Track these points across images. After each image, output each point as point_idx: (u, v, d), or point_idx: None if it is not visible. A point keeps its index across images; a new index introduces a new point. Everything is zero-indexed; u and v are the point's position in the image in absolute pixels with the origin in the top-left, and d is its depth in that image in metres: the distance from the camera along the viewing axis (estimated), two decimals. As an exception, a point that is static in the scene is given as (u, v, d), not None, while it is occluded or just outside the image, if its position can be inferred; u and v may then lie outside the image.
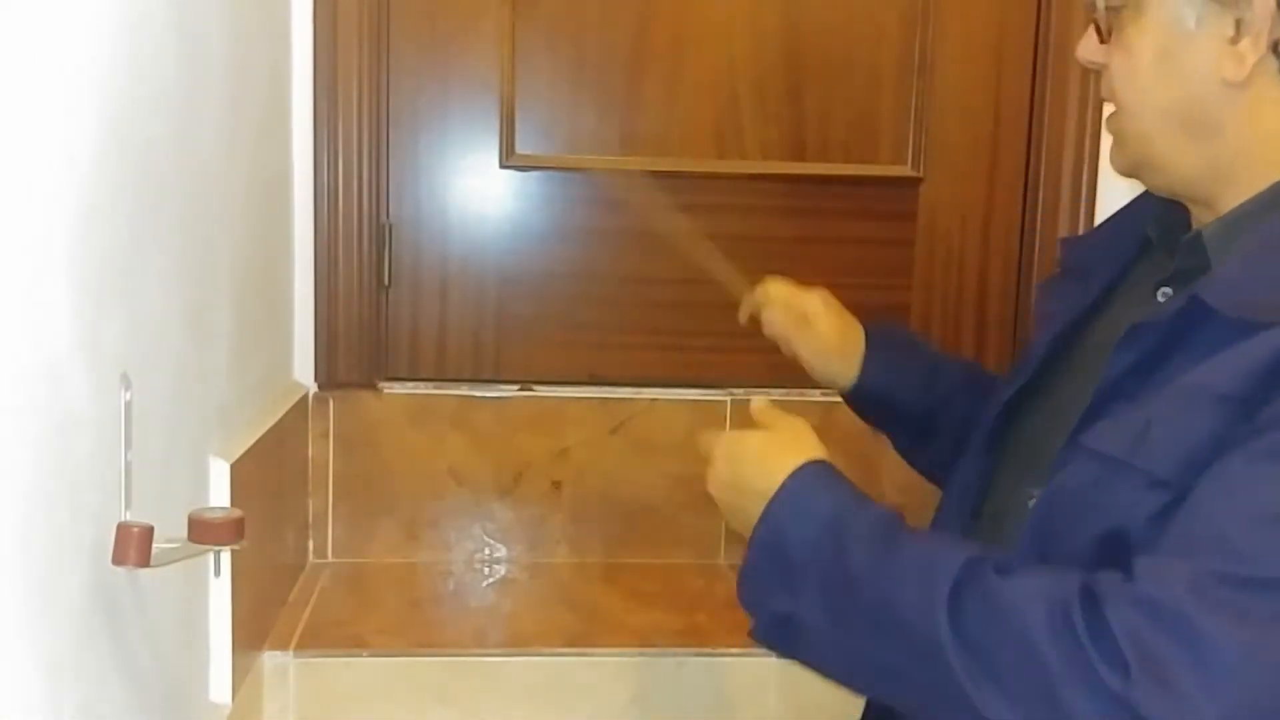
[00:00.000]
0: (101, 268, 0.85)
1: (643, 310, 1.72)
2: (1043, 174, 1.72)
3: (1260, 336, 0.77)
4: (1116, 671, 0.70)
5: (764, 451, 0.95)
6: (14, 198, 0.71)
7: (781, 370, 1.70)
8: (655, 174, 1.69)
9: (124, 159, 0.90)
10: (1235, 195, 0.86)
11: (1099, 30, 0.90)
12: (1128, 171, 0.94)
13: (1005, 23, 1.72)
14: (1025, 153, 1.74)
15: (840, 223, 1.74)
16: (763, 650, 0.96)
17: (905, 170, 1.73)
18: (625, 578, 1.66)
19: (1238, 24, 0.81)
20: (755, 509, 0.91)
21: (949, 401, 1.25)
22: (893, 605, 0.80)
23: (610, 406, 1.70)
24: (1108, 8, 0.89)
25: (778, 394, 1.56)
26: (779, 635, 0.90)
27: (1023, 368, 1.05)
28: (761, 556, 0.90)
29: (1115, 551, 0.79)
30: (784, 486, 0.90)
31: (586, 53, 1.67)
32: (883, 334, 1.28)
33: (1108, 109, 0.93)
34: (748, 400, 1.57)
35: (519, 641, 1.45)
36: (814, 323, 1.28)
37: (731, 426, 1.66)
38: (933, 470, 1.27)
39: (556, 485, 1.71)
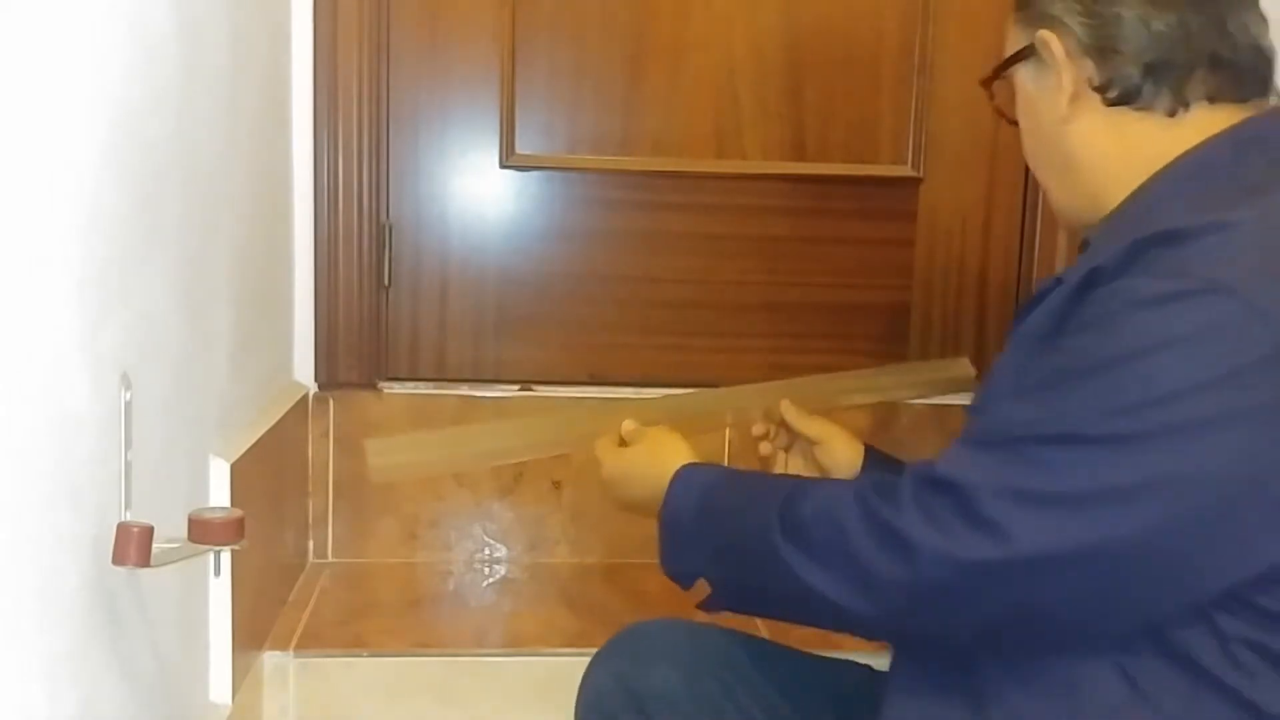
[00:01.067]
0: (102, 268, 0.85)
1: (643, 310, 1.72)
2: (1043, 174, 1.72)
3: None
4: (901, 511, 0.85)
5: (643, 469, 1.16)
6: (14, 198, 0.71)
7: (781, 370, 1.71)
8: (655, 174, 1.69)
9: (124, 159, 0.90)
10: (1112, 206, 0.97)
11: (1005, 118, 1.06)
12: (1060, 222, 1.11)
13: (1005, 22, 1.71)
14: (1025, 153, 1.74)
15: (840, 223, 1.74)
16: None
17: (905, 170, 1.73)
18: (625, 578, 1.66)
19: (1058, 75, 0.96)
20: (652, 509, 1.10)
21: None
22: (747, 534, 0.97)
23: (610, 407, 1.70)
24: (1001, 99, 1.05)
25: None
26: (711, 598, 1.07)
27: None
28: (668, 533, 1.08)
29: None
30: (669, 489, 1.09)
31: (586, 53, 1.67)
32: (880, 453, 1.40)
33: None
34: (749, 412, 1.58)
35: (519, 641, 1.45)
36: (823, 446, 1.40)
37: (730, 425, 1.66)
38: None
39: (556, 485, 1.70)
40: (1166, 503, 0.79)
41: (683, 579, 1.08)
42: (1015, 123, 1.05)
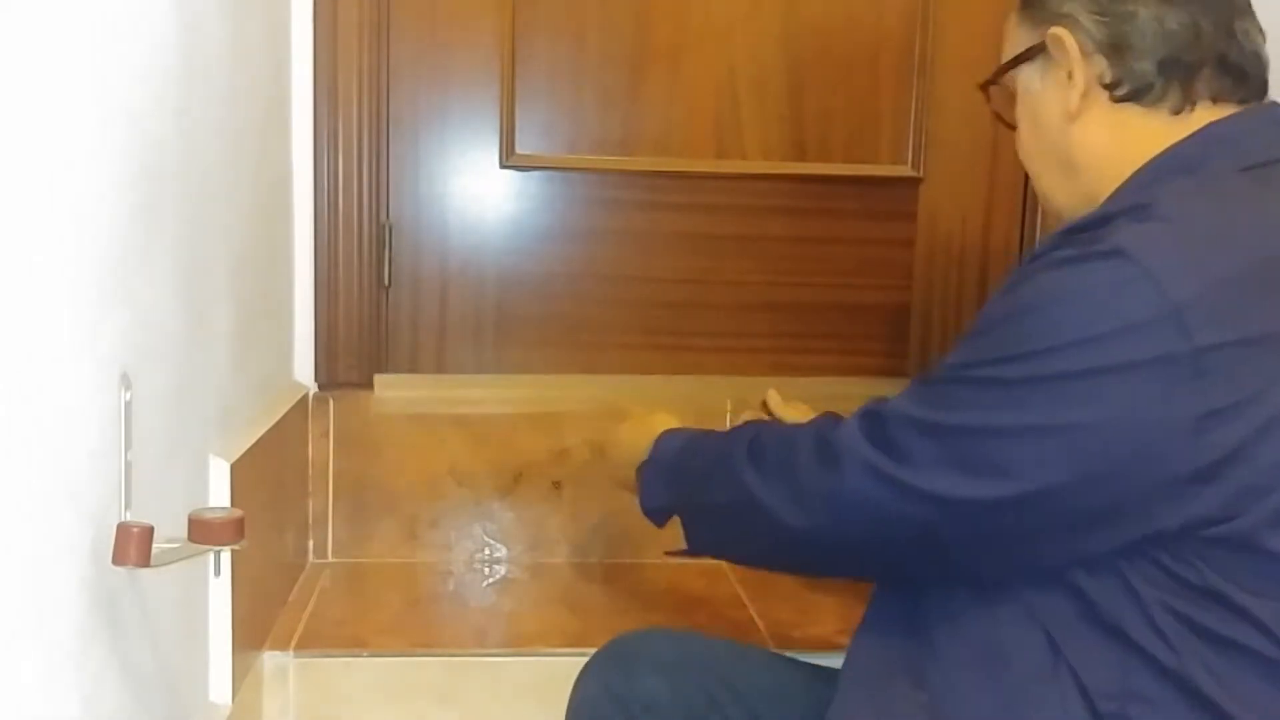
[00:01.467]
0: (101, 268, 0.85)
1: (643, 310, 1.72)
2: (1043, 174, 1.72)
3: None
4: (839, 431, 0.93)
5: (638, 427, 1.26)
6: (14, 198, 0.71)
7: (780, 369, 1.71)
8: (655, 174, 1.70)
9: (124, 159, 0.90)
10: None
11: (1004, 121, 1.07)
12: (1055, 226, 1.08)
13: (1006, 26, 1.71)
14: (1025, 153, 1.74)
15: (840, 223, 1.74)
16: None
17: (905, 170, 1.73)
18: (625, 578, 1.66)
19: (1070, 73, 0.97)
20: (640, 458, 1.21)
21: None
22: (717, 461, 1.06)
23: (610, 407, 1.69)
24: (999, 99, 1.07)
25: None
26: (683, 542, 1.15)
27: None
28: (649, 471, 1.19)
29: None
30: (656, 441, 1.20)
31: (586, 53, 1.67)
32: None
33: None
34: (747, 401, 1.58)
35: (519, 641, 1.45)
36: None
37: (731, 425, 1.66)
38: None
39: (556, 485, 1.70)
40: (1046, 449, 0.82)
41: (656, 515, 1.18)
42: (1013, 126, 1.06)
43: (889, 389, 1.71)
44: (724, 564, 1.72)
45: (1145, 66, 0.93)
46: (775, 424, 1.11)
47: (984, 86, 1.09)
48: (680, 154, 1.70)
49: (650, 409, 1.30)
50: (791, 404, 1.45)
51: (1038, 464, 0.82)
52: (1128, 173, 0.94)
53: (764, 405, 1.50)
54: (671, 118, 1.69)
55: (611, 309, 1.72)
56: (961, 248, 1.76)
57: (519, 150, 1.68)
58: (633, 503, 1.21)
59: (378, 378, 1.68)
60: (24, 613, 0.74)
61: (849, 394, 1.68)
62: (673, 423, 1.24)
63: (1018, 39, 1.02)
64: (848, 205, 1.74)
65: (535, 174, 1.69)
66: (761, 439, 1.03)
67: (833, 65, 1.70)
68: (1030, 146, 1.04)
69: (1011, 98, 1.04)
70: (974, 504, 0.85)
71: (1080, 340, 0.81)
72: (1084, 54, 0.95)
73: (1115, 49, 0.95)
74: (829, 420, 1.01)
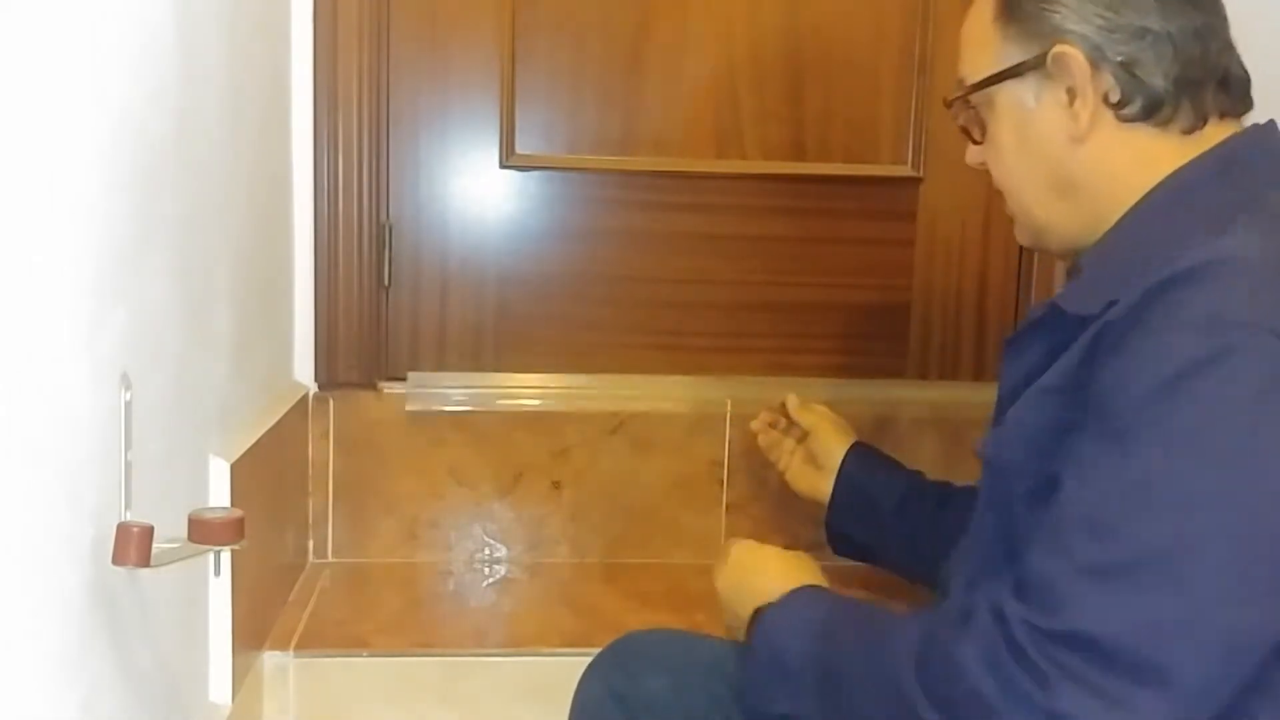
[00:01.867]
0: (102, 267, 0.85)
1: (643, 310, 1.72)
2: (1043, 174, 1.72)
3: (1087, 331, 0.86)
4: (1040, 686, 0.79)
5: (773, 566, 1.12)
6: (14, 198, 0.71)
7: (780, 369, 1.71)
8: (655, 174, 1.69)
9: (124, 159, 0.90)
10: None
11: (969, 135, 1.03)
12: (1030, 244, 1.07)
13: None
14: (1025, 153, 1.74)
15: (840, 223, 1.74)
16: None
17: (905, 170, 1.73)
18: (625, 578, 1.66)
19: (1069, 91, 0.92)
20: (748, 611, 1.07)
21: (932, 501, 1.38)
22: (872, 688, 0.92)
23: (610, 407, 1.70)
24: (967, 112, 1.02)
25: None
26: None
27: None
28: (762, 669, 1.02)
29: (1015, 528, 0.91)
30: (782, 599, 1.04)
31: (586, 53, 1.67)
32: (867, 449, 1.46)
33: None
34: (747, 401, 1.58)
35: (519, 641, 1.45)
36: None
37: (730, 426, 1.67)
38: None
39: (556, 485, 1.70)
40: None
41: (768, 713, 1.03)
42: (978, 141, 1.02)
43: (889, 389, 1.74)
44: (724, 564, 1.72)
45: (1158, 84, 0.90)
46: (934, 650, 0.88)
47: (950, 103, 1.03)
48: (680, 154, 1.70)
49: (798, 554, 1.16)
50: (809, 407, 1.48)
51: None
52: (1134, 196, 0.92)
53: (782, 408, 1.52)
54: (671, 118, 1.69)
55: (611, 309, 1.72)
56: (961, 248, 1.76)
57: (519, 150, 1.68)
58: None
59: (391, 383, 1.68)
60: (24, 612, 0.74)
61: (849, 394, 1.70)
62: (815, 574, 1.12)
63: (1001, 52, 0.96)
64: (848, 205, 1.74)
65: (535, 174, 1.69)
66: (933, 678, 0.87)
67: (833, 65, 1.70)
68: (1014, 165, 0.99)
69: (988, 112, 0.99)
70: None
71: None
72: (1094, 71, 0.91)
73: (1125, 66, 0.90)
74: (1007, 655, 0.82)
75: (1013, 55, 0.96)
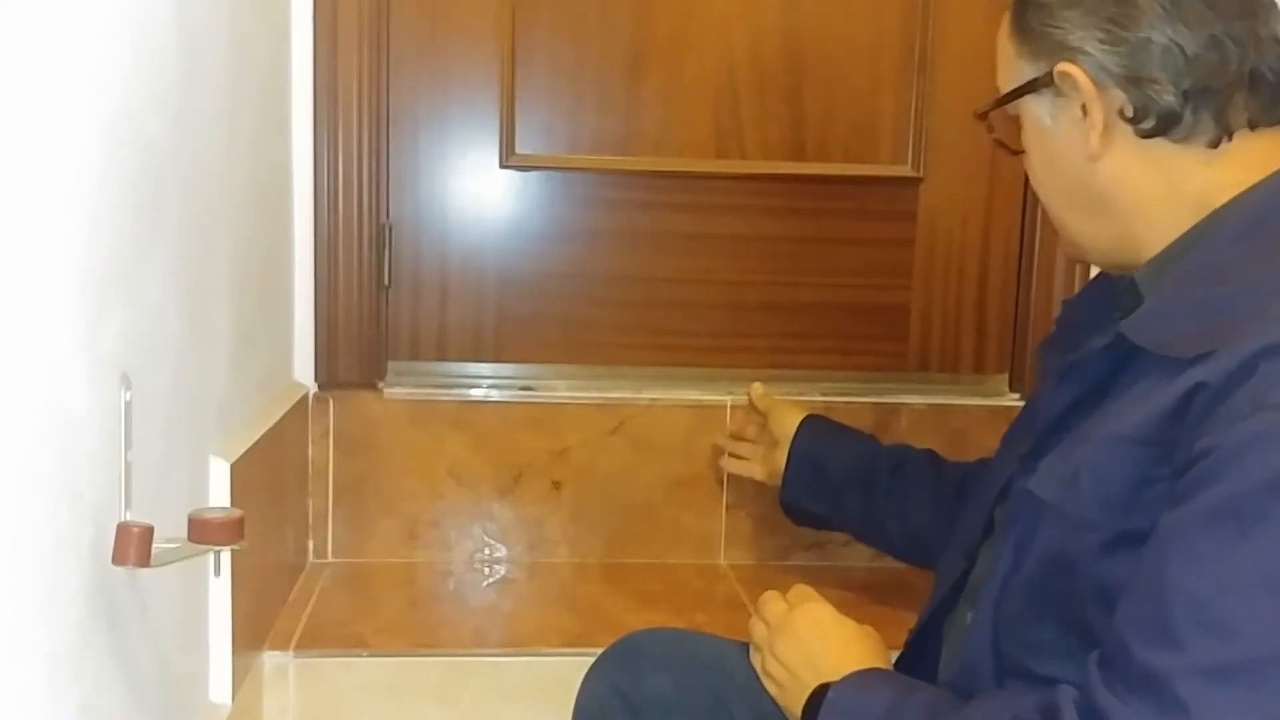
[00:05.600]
0: (101, 268, 0.85)
1: (643, 310, 1.72)
2: (1043, 174, 1.72)
3: (1172, 380, 0.81)
4: None
5: (835, 640, 1.05)
6: (14, 198, 0.71)
7: (779, 369, 1.71)
8: (655, 174, 1.69)
9: (124, 159, 0.90)
10: (1151, 248, 0.92)
11: (1006, 147, 1.02)
12: (1072, 257, 1.10)
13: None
14: (1025, 153, 1.74)
15: (840, 223, 1.74)
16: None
17: (905, 170, 1.73)
18: (625, 578, 1.66)
19: (1083, 108, 0.90)
20: (811, 681, 1.00)
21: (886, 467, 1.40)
22: None
23: (610, 407, 1.70)
24: (1001, 125, 1.00)
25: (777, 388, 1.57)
26: None
27: (1026, 430, 1.04)
28: None
29: (1072, 580, 0.87)
30: (844, 682, 0.97)
31: (586, 53, 1.67)
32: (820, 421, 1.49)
33: None
34: (747, 401, 1.59)
35: (519, 641, 1.45)
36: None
37: (730, 425, 1.67)
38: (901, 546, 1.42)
39: (556, 485, 1.70)
40: None
41: None
42: (1017, 153, 1.00)
43: (888, 389, 1.74)
44: (724, 563, 1.72)
45: (1169, 98, 0.86)
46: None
47: (980, 116, 1.02)
48: (680, 154, 1.70)
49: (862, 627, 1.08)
50: (766, 395, 1.54)
51: None
52: (1173, 216, 0.89)
53: (749, 401, 1.59)
54: (671, 118, 1.69)
55: (611, 309, 1.72)
56: (961, 248, 1.76)
57: (519, 150, 1.68)
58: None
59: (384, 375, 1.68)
60: (24, 612, 0.74)
61: (849, 393, 1.70)
62: (878, 654, 1.05)
63: (1017, 69, 0.95)
64: (847, 205, 1.74)
65: (535, 174, 1.69)
66: None
67: (833, 65, 1.70)
68: (1046, 182, 0.97)
69: (1015, 123, 0.98)
70: None
71: None
72: (1099, 88, 0.88)
73: (1133, 81, 0.87)
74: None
75: (1026, 72, 0.94)
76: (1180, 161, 0.88)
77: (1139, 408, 0.83)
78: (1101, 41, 0.88)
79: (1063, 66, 0.90)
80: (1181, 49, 0.86)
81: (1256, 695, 0.72)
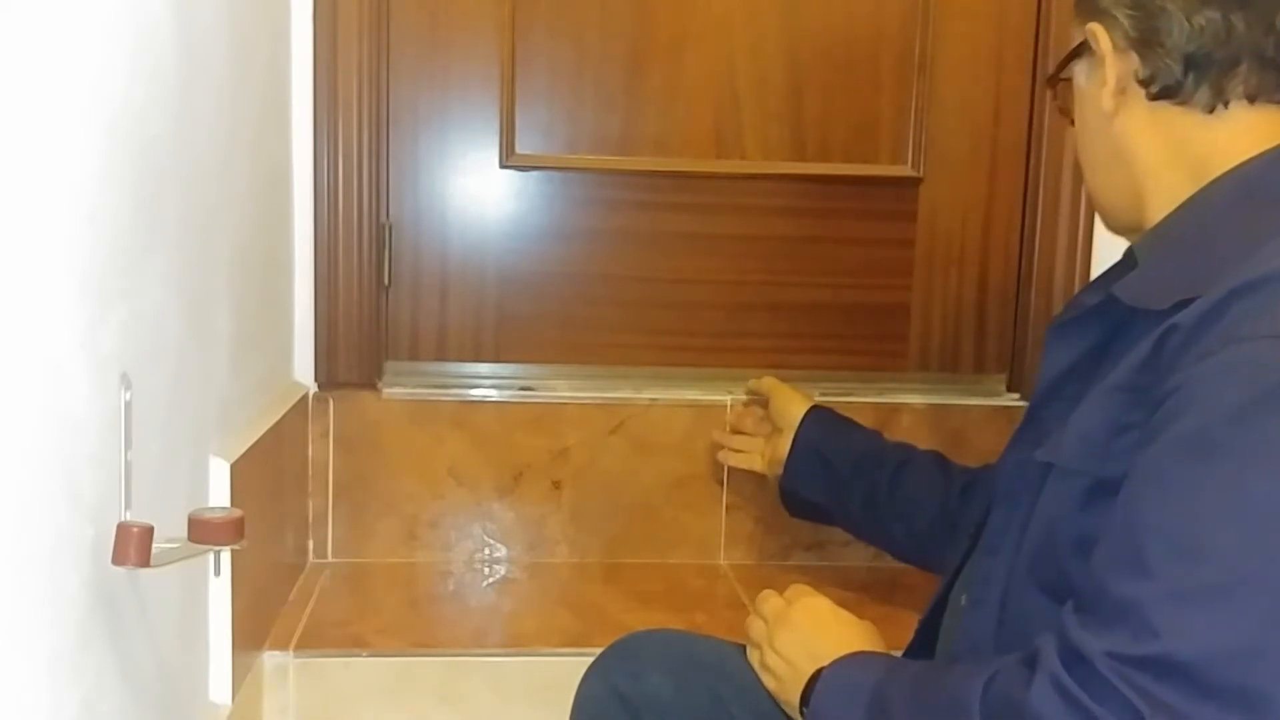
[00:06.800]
0: (102, 267, 0.85)
1: (643, 310, 1.72)
2: (1043, 174, 1.72)
3: (1151, 332, 0.84)
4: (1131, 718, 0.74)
5: (838, 626, 1.06)
6: (14, 198, 0.71)
7: (780, 368, 1.71)
8: (655, 174, 1.69)
9: (124, 159, 0.90)
10: (1155, 212, 0.96)
11: (1067, 115, 1.06)
12: (1113, 229, 1.06)
13: (1005, 23, 1.72)
14: (1025, 153, 1.74)
15: (840, 223, 1.74)
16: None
17: (905, 170, 1.73)
18: (625, 578, 1.66)
19: (1104, 68, 0.96)
20: (810, 670, 1.01)
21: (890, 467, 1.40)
22: None
23: (610, 407, 1.70)
24: (1064, 98, 1.05)
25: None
26: None
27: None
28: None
29: (1053, 538, 0.89)
30: (833, 665, 0.99)
31: (586, 53, 1.67)
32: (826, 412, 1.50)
33: None
34: (748, 402, 1.58)
35: (519, 641, 1.45)
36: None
37: (730, 425, 1.67)
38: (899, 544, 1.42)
39: (556, 485, 1.70)
40: None
41: None
42: (1074, 121, 1.04)
43: (889, 389, 1.74)
44: (723, 563, 1.72)
45: (1172, 63, 0.92)
46: (1001, 698, 0.83)
47: (1049, 82, 1.08)
48: (680, 154, 1.70)
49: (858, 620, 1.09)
50: (769, 380, 1.56)
51: None
52: (1175, 179, 0.93)
53: (749, 392, 1.62)
54: (671, 117, 1.69)
55: (611, 309, 1.72)
56: (961, 248, 1.76)
57: (519, 150, 1.68)
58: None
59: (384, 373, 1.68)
60: (24, 612, 0.74)
61: (849, 393, 1.70)
62: (872, 639, 1.06)
63: (1071, 36, 1.02)
64: (848, 205, 1.74)
65: (535, 174, 1.69)
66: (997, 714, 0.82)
67: (833, 65, 1.70)
68: (1081, 141, 1.03)
69: (1070, 89, 1.03)
70: None
71: None
72: (1117, 50, 0.94)
73: (1146, 44, 0.93)
74: (1075, 696, 0.78)
75: (1075, 38, 1.01)
76: (1181, 122, 0.93)
77: (1123, 362, 0.87)
78: (1124, 6, 0.94)
79: (1090, 25, 0.96)
80: (1189, 17, 0.92)
81: (1226, 616, 0.73)
